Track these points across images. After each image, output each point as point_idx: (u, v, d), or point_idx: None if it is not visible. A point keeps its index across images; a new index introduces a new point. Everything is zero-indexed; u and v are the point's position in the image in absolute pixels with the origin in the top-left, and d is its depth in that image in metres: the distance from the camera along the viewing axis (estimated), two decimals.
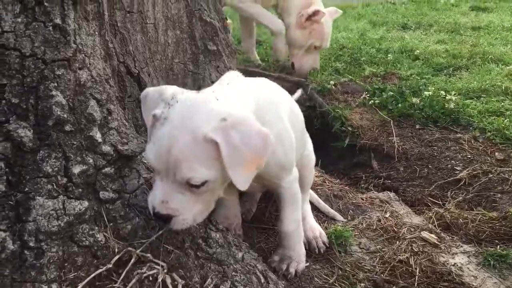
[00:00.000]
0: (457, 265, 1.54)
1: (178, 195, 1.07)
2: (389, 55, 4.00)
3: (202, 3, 1.70)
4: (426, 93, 3.15)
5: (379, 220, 1.68)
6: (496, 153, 2.48)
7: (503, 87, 3.23)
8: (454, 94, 3.20)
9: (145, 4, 1.50)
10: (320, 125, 3.08)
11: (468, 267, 1.53)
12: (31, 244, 0.95)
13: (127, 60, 1.43)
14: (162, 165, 1.05)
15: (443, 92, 3.19)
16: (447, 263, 1.55)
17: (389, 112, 3.01)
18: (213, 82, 1.73)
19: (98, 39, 1.15)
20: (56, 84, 1.02)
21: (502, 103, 3.00)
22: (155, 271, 0.96)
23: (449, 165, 2.47)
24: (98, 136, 1.09)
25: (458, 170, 2.40)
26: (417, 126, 2.87)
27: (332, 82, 3.38)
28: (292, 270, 1.40)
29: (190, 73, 1.66)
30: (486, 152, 2.51)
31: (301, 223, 1.46)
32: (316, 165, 2.06)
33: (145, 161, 1.15)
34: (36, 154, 0.99)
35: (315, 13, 3.37)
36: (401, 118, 2.96)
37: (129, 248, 0.99)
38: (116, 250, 1.02)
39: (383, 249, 1.56)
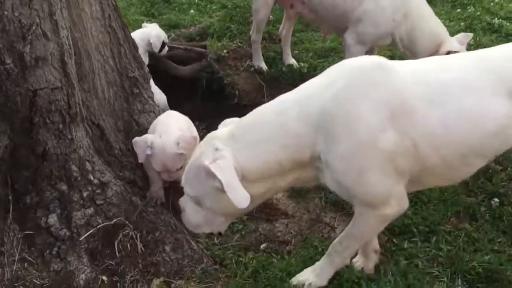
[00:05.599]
0: (277, 198, 3.03)
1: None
2: (272, 16, 5.16)
3: (127, 66, 2.88)
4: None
5: None
6: None
7: None
8: (312, 57, 4.52)
9: (96, 82, 2.68)
10: (217, 87, 4.35)
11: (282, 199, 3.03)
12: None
13: (92, 117, 2.65)
14: None
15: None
16: None
17: (264, 77, 4.30)
18: (139, 111, 2.98)
19: (83, 129, 2.39)
20: None
21: None
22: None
23: None
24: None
25: None
26: (283, 89, 4.20)
27: (225, 51, 4.57)
28: None
29: (125, 109, 2.90)
30: None
31: None
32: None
33: None
34: None
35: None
36: (272, 82, 4.27)
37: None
38: None
39: None
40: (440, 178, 2.24)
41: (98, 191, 2.40)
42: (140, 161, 2.64)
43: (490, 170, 3.24)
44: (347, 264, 2.45)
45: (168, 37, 4.81)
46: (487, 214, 2.93)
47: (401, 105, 2.00)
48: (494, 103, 2.04)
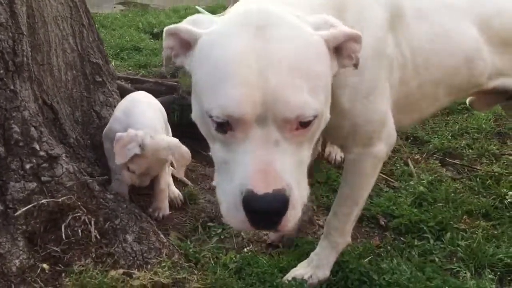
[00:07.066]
0: None
1: None
2: None
3: (89, 50, 2.55)
4: None
5: None
6: None
7: None
8: None
9: (51, 58, 2.33)
10: (191, 121, 4.02)
11: None
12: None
13: (43, 96, 2.26)
14: None
15: None
16: None
17: None
18: (101, 102, 2.60)
19: (30, 89, 2.00)
20: None
21: None
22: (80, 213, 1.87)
23: None
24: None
25: None
26: None
27: None
28: (160, 215, 2.37)
29: (85, 98, 2.52)
30: None
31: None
32: None
33: None
34: None
35: None
36: None
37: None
38: None
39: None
40: (406, 113, 1.95)
41: (45, 165, 1.94)
42: (122, 161, 2.15)
43: (496, 174, 2.93)
44: (349, 243, 2.00)
45: (137, 75, 4.58)
46: (503, 213, 2.57)
47: (397, 11, 1.80)
48: (465, 27, 1.95)
